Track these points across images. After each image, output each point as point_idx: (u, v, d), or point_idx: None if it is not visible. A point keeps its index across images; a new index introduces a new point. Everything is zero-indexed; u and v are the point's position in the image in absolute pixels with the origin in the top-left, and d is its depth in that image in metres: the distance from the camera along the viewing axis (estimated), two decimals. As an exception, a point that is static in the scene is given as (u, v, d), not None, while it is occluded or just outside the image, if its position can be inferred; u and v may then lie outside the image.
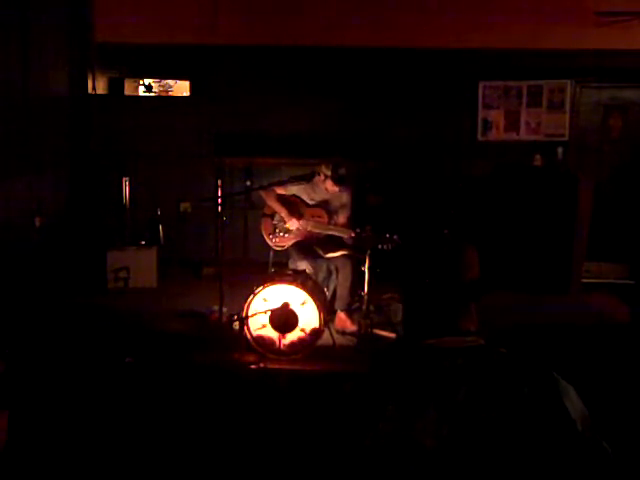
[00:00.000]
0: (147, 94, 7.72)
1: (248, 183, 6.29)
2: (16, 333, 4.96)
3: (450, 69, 7.64)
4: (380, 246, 5.07)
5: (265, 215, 5.74)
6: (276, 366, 4.70)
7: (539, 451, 1.51)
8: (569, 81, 7.63)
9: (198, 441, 3.53)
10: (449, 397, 1.58)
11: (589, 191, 6.71)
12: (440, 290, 1.71)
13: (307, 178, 5.60)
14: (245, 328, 4.84)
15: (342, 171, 5.42)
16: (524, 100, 7.69)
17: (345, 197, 5.63)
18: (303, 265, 5.54)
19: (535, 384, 1.57)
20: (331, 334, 5.00)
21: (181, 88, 7.72)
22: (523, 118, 7.70)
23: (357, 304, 5.58)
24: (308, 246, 5.62)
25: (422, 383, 1.63)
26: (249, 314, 4.82)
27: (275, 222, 5.67)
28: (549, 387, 1.57)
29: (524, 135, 7.72)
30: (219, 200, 5.30)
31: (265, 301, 4.83)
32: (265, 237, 5.71)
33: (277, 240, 5.64)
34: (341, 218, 5.61)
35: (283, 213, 5.60)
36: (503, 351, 1.65)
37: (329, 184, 5.48)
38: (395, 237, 5.06)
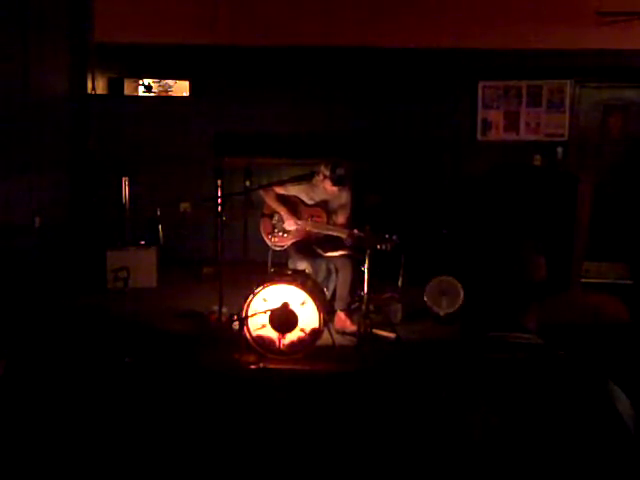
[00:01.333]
0: (147, 94, 7.72)
1: (247, 183, 6.27)
2: (16, 333, 4.96)
3: (450, 69, 7.64)
4: (379, 246, 5.07)
5: (264, 215, 5.74)
6: (276, 366, 4.70)
7: (590, 452, 1.52)
8: (569, 81, 7.63)
9: (198, 441, 3.53)
10: (504, 390, 1.59)
11: (589, 191, 6.71)
12: (508, 288, 1.73)
13: (306, 178, 5.61)
14: (245, 328, 4.84)
15: (341, 171, 5.42)
16: (524, 100, 7.70)
17: (344, 197, 5.63)
18: (302, 265, 5.54)
19: (588, 387, 1.58)
20: (331, 334, 5.00)
21: (181, 88, 7.72)
22: (523, 118, 7.70)
23: (357, 304, 5.57)
24: (307, 246, 5.62)
25: (478, 373, 1.64)
26: (249, 314, 4.82)
27: (274, 222, 5.67)
28: (602, 390, 1.58)
29: (524, 135, 7.72)
30: (219, 200, 5.30)
31: (265, 301, 4.82)
32: (264, 237, 5.71)
33: (276, 240, 5.64)
34: (340, 218, 5.60)
35: (282, 212, 5.60)
36: (561, 353, 1.66)
37: (328, 184, 5.48)
38: (394, 237, 5.06)
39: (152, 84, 7.68)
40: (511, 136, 7.73)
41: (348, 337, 5.30)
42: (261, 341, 4.86)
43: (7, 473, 3.20)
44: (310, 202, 5.67)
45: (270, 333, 4.84)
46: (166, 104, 7.66)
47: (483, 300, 1.77)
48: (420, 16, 7.38)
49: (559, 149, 7.58)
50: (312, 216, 5.60)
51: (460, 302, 5.73)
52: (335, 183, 5.45)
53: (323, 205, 5.63)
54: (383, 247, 5.08)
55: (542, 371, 1.61)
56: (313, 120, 7.63)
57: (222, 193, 5.40)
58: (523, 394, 1.57)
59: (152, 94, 7.71)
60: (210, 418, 3.80)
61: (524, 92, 7.68)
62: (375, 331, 5.32)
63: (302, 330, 4.81)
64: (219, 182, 5.40)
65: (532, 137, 7.71)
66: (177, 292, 6.56)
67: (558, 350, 1.67)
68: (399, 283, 6.00)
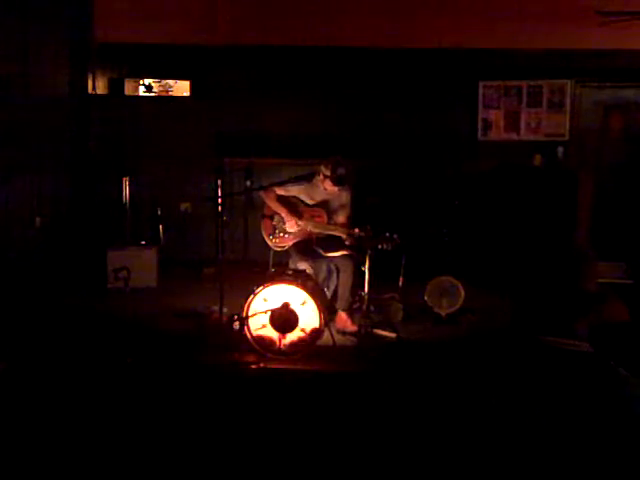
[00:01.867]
0: (147, 94, 7.72)
1: (248, 183, 6.28)
2: (17, 333, 4.97)
3: (450, 69, 7.64)
4: (380, 246, 5.07)
5: (265, 216, 5.73)
6: (276, 366, 4.70)
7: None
8: (569, 81, 7.63)
9: (198, 441, 3.53)
10: (559, 397, 1.59)
11: (589, 191, 6.71)
12: (563, 295, 1.73)
13: (307, 178, 5.61)
14: (245, 328, 4.84)
15: (341, 171, 5.41)
16: (524, 100, 7.70)
17: (345, 197, 5.63)
18: (303, 265, 5.54)
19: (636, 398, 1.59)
20: (331, 334, 5.00)
21: (181, 88, 7.73)
22: (523, 118, 7.70)
23: (357, 304, 5.58)
24: (308, 246, 5.62)
25: (533, 378, 1.65)
26: (249, 314, 4.82)
27: (275, 223, 5.67)
28: None
29: (524, 135, 7.72)
30: (219, 200, 5.30)
31: (265, 301, 4.82)
32: (265, 238, 5.70)
33: (277, 241, 5.64)
34: (341, 218, 5.60)
35: (283, 213, 5.60)
36: (612, 364, 1.66)
37: (328, 184, 5.47)
38: (395, 236, 5.07)
39: (152, 84, 7.69)
40: (511, 136, 7.72)
41: (349, 337, 5.30)
42: (261, 341, 4.86)
43: (10, 474, 3.20)
44: (310, 202, 5.66)
45: (270, 333, 4.84)
46: (167, 104, 7.66)
47: (534, 305, 1.77)
48: (420, 16, 7.37)
49: (559, 149, 7.57)
50: (312, 216, 5.59)
51: (460, 302, 5.73)
52: (335, 183, 5.45)
53: (323, 205, 5.62)
54: (384, 247, 5.09)
55: (591, 380, 1.61)
56: (313, 120, 7.63)
57: (223, 193, 5.39)
58: (578, 401, 1.57)
59: (152, 94, 7.71)
60: (211, 418, 3.80)
61: (524, 92, 7.68)
62: (376, 331, 5.33)
63: (302, 330, 4.81)
64: (219, 182, 5.40)
65: (532, 137, 7.71)
66: (177, 292, 6.56)
67: (609, 360, 1.67)
68: (400, 283, 6.00)
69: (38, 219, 6.36)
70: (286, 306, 4.78)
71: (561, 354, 1.66)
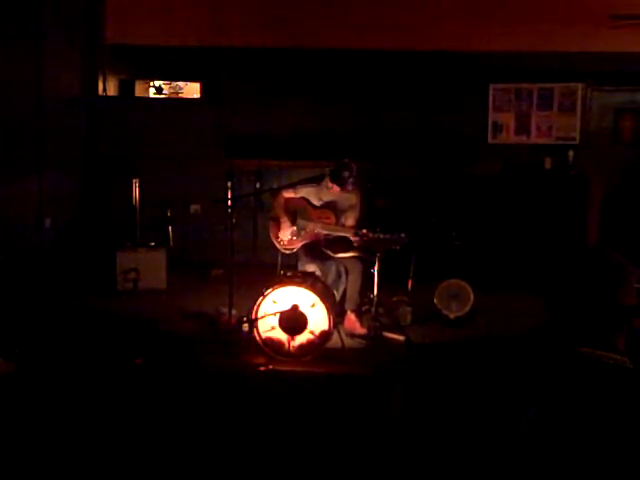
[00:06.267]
0: (158, 96, 7.74)
1: (258, 185, 6.26)
2: (26, 334, 4.98)
3: (461, 72, 7.63)
4: (388, 245, 5.06)
5: (273, 219, 5.74)
6: (285, 368, 4.69)
7: None
8: (580, 84, 7.60)
9: (207, 443, 3.52)
10: (596, 411, 1.56)
11: (599, 194, 6.68)
12: (601, 307, 1.69)
13: (316, 180, 5.62)
14: (254, 330, 4.84)
15: (346, 174, 5.42)
16: (535, 103, 7.67)
17: (354, 199, 5.62)
18: (312, 267, 5.53)
19: None
20: (340, 336, 4.99)
21: (191, 90, 7.74)
22: (534, 121, 7.68)
23: (367, 306, 5.56)
24: (317, 248, 5.61)
25: (571, 390, 1.61)
26: (258, 316, 4.81)
27: (283, 226, 5.67)
28: None
29: (535, 138, 7.69)
30: (229, 202, 5.29)
31: (274, 303, 4.81)
32: (273, 240, 5.70)
33: (285, 243, 5.64)
34: (350, 220, 5.59)
35: (282, 220, 5.61)
36: None
37: (335, 187, 5.49)
38: (402, 235, 5.05)
39: (163, 86, 7.70)
40: (522, 139, 7.70)
41: (358, 339, 5.29)
42: (270, 343, 4.85)
43: (18, 476, 3.21)
44: (319, 204, 5.65)
45: (279, 335, 4.84)
46: (177, 106, 7.68)
47: (571, 317, 1.73)
48: (432, 19, 7.36)
49: (570, 152, 7.54)
50: (320, 218, 5.58)
51: (470, 305, 5.71)
52: (343, 186, 5.45)
53: (332, 207, 5.61)
54: (392, 247, 5.08)
55: (630, 395, 1.57)
56: (324, 122, 7.62)
57: (232, 195, 5.39)
58: (617, 416, 1.54)
59: (163, 96, 7.72)
60: (219, 420, 3.79)
61: (535, 95, 7.65)
62: (385, 333, 5.31)
63: (311, 332, 4.80)
64: (229, 184, 5.40)
65: (543, 140, 7.68)
66: (186, 293, 6.57)
67: None
68: (409, 286, 5.98)
69: (48, 220, 6.38)
70: (295, 308, 4.77)
71: (598, 366, 1.62)
